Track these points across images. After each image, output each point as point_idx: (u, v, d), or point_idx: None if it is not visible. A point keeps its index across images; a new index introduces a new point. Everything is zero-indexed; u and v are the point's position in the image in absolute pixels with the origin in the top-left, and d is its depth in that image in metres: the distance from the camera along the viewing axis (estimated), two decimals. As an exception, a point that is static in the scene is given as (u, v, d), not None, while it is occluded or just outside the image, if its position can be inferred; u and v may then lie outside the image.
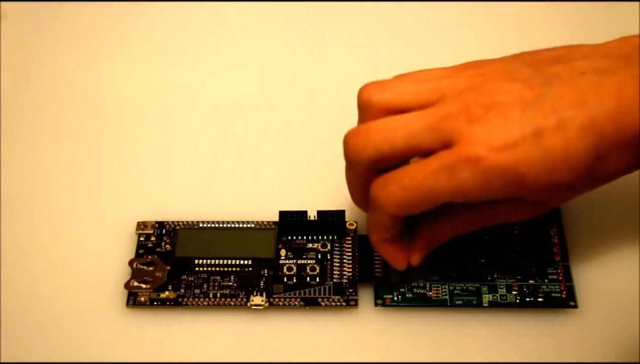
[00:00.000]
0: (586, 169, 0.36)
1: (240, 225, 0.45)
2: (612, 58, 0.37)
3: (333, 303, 0.42)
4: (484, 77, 0.38)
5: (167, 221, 0.45)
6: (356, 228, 0.45)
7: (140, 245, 0.45)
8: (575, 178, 0.36)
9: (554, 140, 0.35)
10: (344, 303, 0.42)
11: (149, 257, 0.44)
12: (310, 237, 0.45)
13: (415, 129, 0.37)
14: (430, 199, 0.37)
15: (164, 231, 0.45)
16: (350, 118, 0.47)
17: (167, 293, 0.43)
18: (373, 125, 0.38)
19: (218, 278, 0.43)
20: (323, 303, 0.42)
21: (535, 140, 0.35)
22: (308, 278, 0.43)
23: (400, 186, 0.37)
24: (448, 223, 0.40)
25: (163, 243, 0.45)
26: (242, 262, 0.44)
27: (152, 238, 0.45)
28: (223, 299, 0.43)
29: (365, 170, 0.38)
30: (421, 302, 0.42)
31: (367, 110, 0.39)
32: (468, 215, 0.40)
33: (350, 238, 0.45)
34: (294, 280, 0.43)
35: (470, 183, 0.35)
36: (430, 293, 0.42)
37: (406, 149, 0.37)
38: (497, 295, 0.42)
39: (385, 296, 0.42)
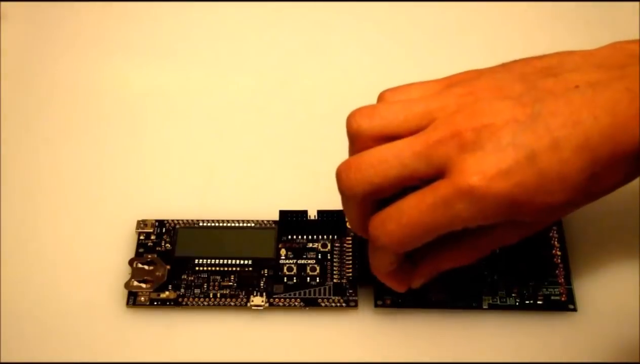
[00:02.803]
0: (582, 188, 0.35)
1: (240, 225, 0.45)
2: (605, 69, 0.36)
3: (333, 304, 0.42)
4: (474, 96, 0.37)
5: (167, 220, 0.45)
6: (356, 228, 0.45)
7: (140, 244, 0.45)
8: (571, 197, 0.35)
9: (548, 162, 0.34)
10: (344, 304, 0.42)
11: (149, 256, 0.44)
12: (310, 237, 0.45)
13: (406, 159, 0.36)
14: (430, 233, 0.36)
15: (164, 230, 0.45)
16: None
17: (167, 292, 0.43)
18: (364, 157, 0.37)
19: (218, 278, 0.43)
20: (323, 304, 0.43)
21: (529, 163, 0.34)
22: (308, 278, 0.43)
23: (398, 225, 0.36)
24: (449, 255, 0.40)
25: (163, 242, 0.45)
26: (242, 262, 0.44)
27: (152, 237, 0.45)
28: (223, 299, 0.43)
29: (361, 203, 0.38)
30: (421, 303, 0.42)
31: (357, 140, 0.38)
32: (467, 245, 0.39)
33: (350, 238, 0.45)
34: (294, 280, 0.43)
35: (466, 214, 0.35)
36: (430, 294, 0.42)
37: (400, 180, 0.36)
38: (497, 297, 0.42)
39: (385, 297, 0.42)
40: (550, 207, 0.35)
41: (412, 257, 0.40)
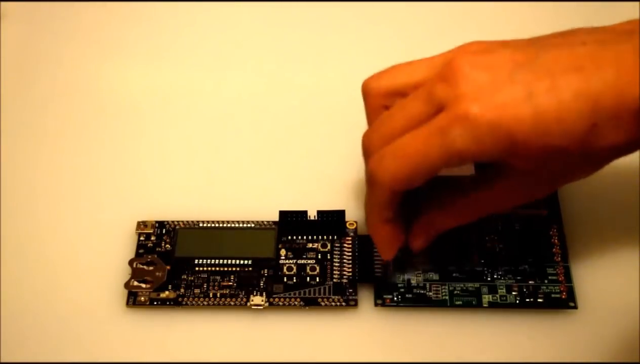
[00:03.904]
0: (580, 135, 0.34)
1: (240, 225, 0.45)
2: (614, 33, 0.36)
3: (333, 303, 0.42)
4: (478, 46, 0.37)
5: (167, 221, 0.45)
6: (356, 228, 0.45)
7: (140, 245, 0.45)
8: (568, 144, 0.35)
9: (547, 101, 0.34)
10: (343, 303, 0.42)
11: (149, 257, 0.44)
12: (310, 237, 0.45)
13: (409, 104, 0.37)
14: (426, 166, 0.36)
15: (164, 231, 0.45)
16: (350, 119, 0.47)
17: (167, 292, 0.43)
18: (380, 117, 0.39)
19: (218, 278, 0.43)
20: (323, 303, 0.42)
21: (527, 99, 0.34)
22: (308, 278, 0.43)
23: (394, 158, 0.36)
24: (447, 211, 0.40)
25: (163, 242, 0.45)
26: (242, 262, 0.44)
27: (152, 238, 0.45)
28: (223, 299, 0.43)
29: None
30: (421, 302, 0.42)
31: (368, 98, 0.40)
32: (464, 202, 0.39)
33: (350, 238, 0.45)
34: (294, 280, 0.43)
35: (461, 142, 0.35)
36: (430, 293, 0.42)
37: (407, 128, 0.37)
38: (497, 296, 0.42)
39: (385, 296, 0.42)
40: (546, 151, 0.35)
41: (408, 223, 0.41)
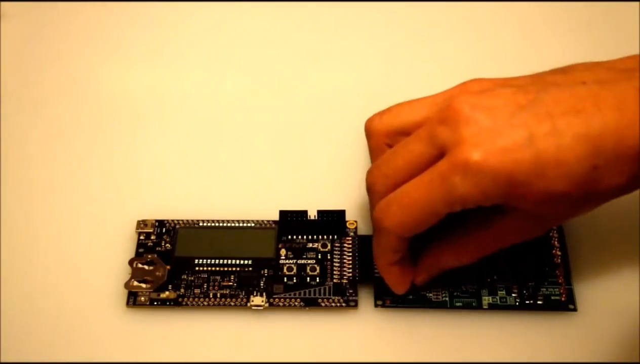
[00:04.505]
0: (581, 179, 0.35)
1: (240, 225, 0.45)
2: (615, 71, 0.36)
3: (333, 304, 0.42)
4: (479, 85, 0.38)
5: (167, 220, 0.45)
6: (356, 227, 0.45)
7: (140, 244, 0.45)
8: (570, 187, 0.35)
9: (546, 145, 0.34)
10: (344, 304, 0.42)
11: (149, 256, 0.44)
12: (310, 237, 0.45)
13: (412, 145, 0.37)
14: (430, 212, 0.36)
15: (164, 230, 0.45)
16: (349, 119, 0.47)
17: (167, 293, 0.43)
18: (383, 155, 0.39)
19: (218, 278, 0.43)
20: (323, 304, 0.42)
21: (526, 143, 0.34)
22: (308, 278, 0.43)
23: (400, 207, 0.37)
24: (451, 251, 0.40)
25: (163, 242, 0.45)
26: (242, 262, 0.44)
27: (152, 237, 0.45)
28: (223, 299, 0.43)
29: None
30: (421, 303, 0.42)
31: (371, 136, 0.41)
32: (469, 241, 0.40)
33: (350, 238, 0.45)
34: (294, 280, 0.43)
35: (462, 189, 0.35)
36: (430, 294, 0.42)
37: (410, 167, 0.37)
38: (497, 297, 0.42)
39: (385, 297, 0.42)
40: (547, 195, 0.35)
41: (415, 256, 0.41)
